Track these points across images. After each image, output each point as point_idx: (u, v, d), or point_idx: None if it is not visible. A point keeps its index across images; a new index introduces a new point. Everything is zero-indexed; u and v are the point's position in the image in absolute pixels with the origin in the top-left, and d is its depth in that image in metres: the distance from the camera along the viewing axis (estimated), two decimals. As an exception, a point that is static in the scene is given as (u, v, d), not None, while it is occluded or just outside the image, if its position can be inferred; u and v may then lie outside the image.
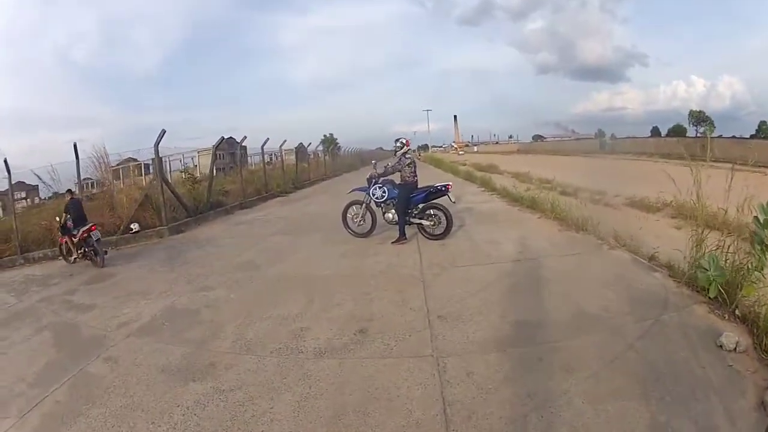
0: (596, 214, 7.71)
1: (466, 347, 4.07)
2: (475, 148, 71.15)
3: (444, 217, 8.15)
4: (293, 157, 39.57)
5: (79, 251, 9.83)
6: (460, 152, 69.27)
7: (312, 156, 37.84)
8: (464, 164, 28.38)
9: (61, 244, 10.38)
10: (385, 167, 8.44)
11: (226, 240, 10.82)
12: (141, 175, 27.92)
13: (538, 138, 71.89)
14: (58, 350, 5.19)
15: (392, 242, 8.01)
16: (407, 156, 8.30)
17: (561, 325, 4.30)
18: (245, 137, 23.43)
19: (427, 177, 22.60)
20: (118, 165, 25.99)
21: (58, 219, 10.27)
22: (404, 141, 8.38)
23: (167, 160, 32.52)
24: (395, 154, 8.35)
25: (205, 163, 36.73)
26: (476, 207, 10.66)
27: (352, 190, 9.04)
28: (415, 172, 8.23)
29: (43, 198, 17.88)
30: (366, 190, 8.61)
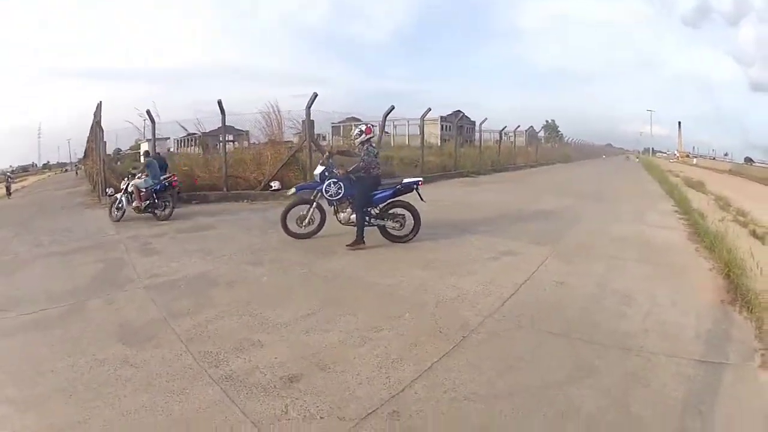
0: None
1: None
2: (694, 160, 70.97)
3: (411, 217, 7.65)
4: (523, 139, 39.45)
5: (146, 201, 11.86)
6: (671, 160, 63.33)
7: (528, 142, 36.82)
8: (677, 176, 24.98)
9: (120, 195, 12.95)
10: (357, 164, 7.59)
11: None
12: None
13: (748, 161, 68.92)
14: (92, 281, 6.34)
15: (347, 245, 7.32)
16: (373, 145, 7.73)
17: None
18: (485, 119, 27.15)
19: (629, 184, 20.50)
20: (339, 122, 28.89)
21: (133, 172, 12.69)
22: (364, 128, 7.76)
23: (393, 124, 35.48)
24: (357, 143, 7.87)
25: (430, 131, 38.63)
26: (650, 235, 8.72)
27: (296, 189, 8.06)
28: (378, 164, 7.72)
29: (254, 142, 20.15)
30: (315, 186, 7.86)
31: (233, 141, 24.38)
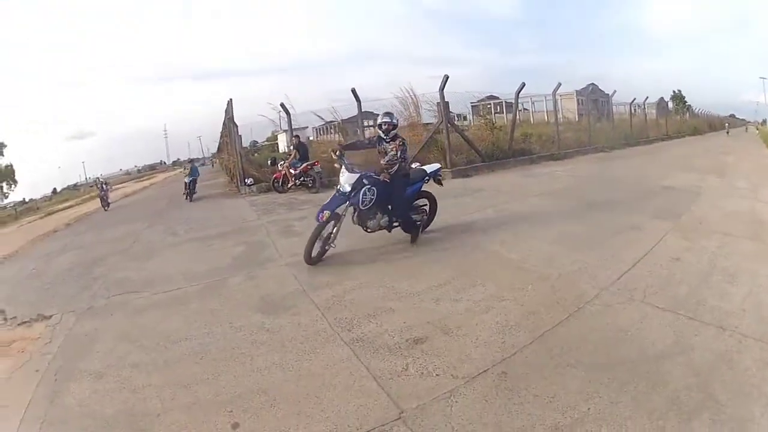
0: None
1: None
2: None
3: (428, 204, 7.18)
4: (653, 111, 37.83)
5: (297, 180, 14.57)
6: None
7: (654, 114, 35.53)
8: None
9: (276, 178, 15.19)
10: (399, 163, 6.43)
11: (489, 192, 11.44)
12: (502, 113, 30.89)
13: None
14: (233, 261, 7.07)
15: (412, 243, 6.78)
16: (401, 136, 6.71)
17: None
18: (615, 91, 28.32)
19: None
20: (479, 102, 29.23)
21: (287, 155, 16.09)
22: (394, 118, 6.71)
23: (530, 100, 35.25)
24: (382, 134, 6.60)
25: (567, 106, 37.86)
26: (761, 211, 7.99)
27: (329, 212, 6.12)
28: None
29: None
30: (344, 200, 6.31)
31: (373, 126, 25.12)
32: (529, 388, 3.12)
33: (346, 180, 6.30)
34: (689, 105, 62.28)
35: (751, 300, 4.40)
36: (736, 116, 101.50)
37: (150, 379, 3.71)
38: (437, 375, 3.37)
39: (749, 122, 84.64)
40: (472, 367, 3.41)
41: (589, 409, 2.88)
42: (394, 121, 6.63)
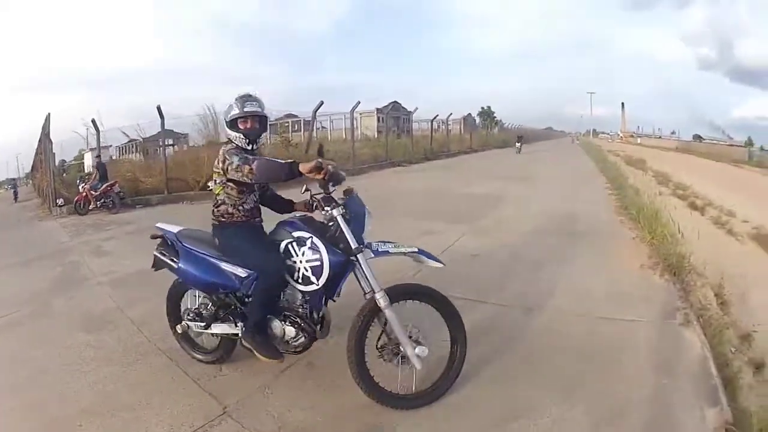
0: (708, 247, 6.21)
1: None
2: (638, 140, 76.04)
3: None
4: (458, 126, 41.45)
5: (98, 201, 14.06)
6: (610, 140, 68.33)
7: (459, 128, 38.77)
8: (617, 155, 26.38)
9: (78, 201, 14.27)
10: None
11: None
12: (300, 131, 31.31)
13: (697, 138, 73.75)
14: (53, 283, 6.88)
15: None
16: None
17: None
18: (416, 108, 30.11)
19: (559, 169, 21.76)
20: (276, 120, 29.41)
21: (88, 175, 15.29)
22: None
23: (329, 119, 36.29)
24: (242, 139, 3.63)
25: (367, 124, 39.69)
26: (574, 210, 9.59)
27: None
28: None
29: (193, 145, 20.77)
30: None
31: (173, 144, 24.64)
32: (337, 374, 3.65)
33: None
34: (498, 120, 67.97)
35: (562, 284, 5.06)
36: (554, 129, 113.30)
37: (7, 402, 3.69)
38: (250, 373, 3.84)
39: (571, 133, 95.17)
40: (282, 363, 3.80)
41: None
42: (266, 112, 3.69)
